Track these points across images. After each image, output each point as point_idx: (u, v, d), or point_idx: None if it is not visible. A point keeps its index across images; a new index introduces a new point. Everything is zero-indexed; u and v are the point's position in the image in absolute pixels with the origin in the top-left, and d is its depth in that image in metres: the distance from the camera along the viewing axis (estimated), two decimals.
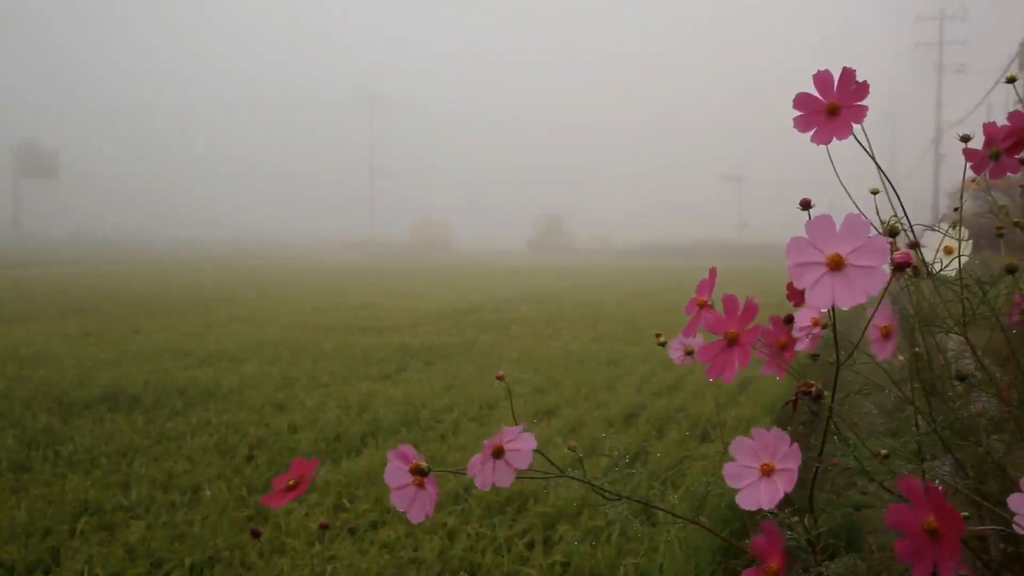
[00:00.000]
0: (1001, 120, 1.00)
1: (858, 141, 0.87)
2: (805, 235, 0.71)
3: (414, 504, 0.84)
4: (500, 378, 0.95)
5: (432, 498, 0.83)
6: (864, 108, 0.82)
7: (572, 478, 0.91)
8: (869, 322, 0.86)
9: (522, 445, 0.82)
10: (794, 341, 0.92)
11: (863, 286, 0.68)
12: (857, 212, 0.73)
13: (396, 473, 0.84)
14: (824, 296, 0.69)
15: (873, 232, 0.70)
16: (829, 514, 0.94)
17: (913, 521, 0.64)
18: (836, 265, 0.68)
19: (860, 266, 0.68)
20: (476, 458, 0.83)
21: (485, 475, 0.82)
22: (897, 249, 0.84)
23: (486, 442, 0.83)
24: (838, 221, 0.72)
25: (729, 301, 0.85)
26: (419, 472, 0.82)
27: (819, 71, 0.84)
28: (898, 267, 0.78)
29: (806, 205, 0.83)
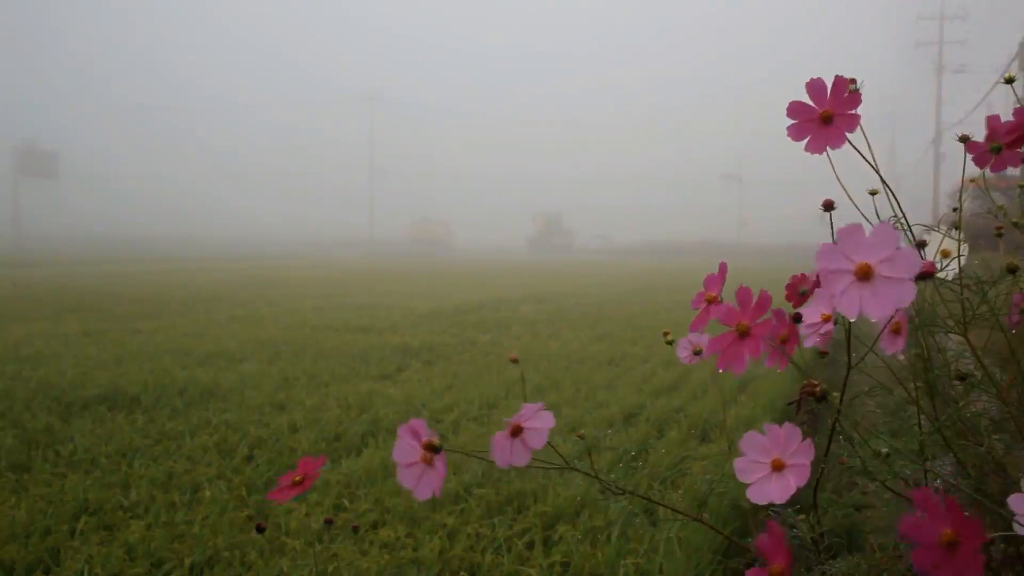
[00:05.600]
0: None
1: (856, 149, 0.87)
2: (835, 241, 0.69)
3: (421, 482, 0.83)
4: (514, 360, 0.95)
5: (441, 476, 0.82)
6: (857, 117, 0.82)
7: (577, 470, 0.91)
8: (887, 325, 0.85)
9: (540, 423, 0.81)
10: (796, 335, 0.92)
11: (893, 298, 0.65)
12: (861, 214, 0.72)
13: (406, 450, 0.83)
14: (852, 305, 0.67)
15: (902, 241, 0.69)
16: (831, 514, 0.94)
17: (929, 532, 0.64)
18: (864, 275, 0.67)
19: (889, 277, 0.66)
20: (499, 434, 0.82)
21: (504, 453, 0.82)
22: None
23: (508, 420, 0.82)
24: (838, 221, 0.72)
25: (743, 293, 0.85)
26: (432, 449, 0.81)
27: (812, 79, 0.84)
28: (920, 277, 0.77)
29: (828, 206, 0.83)
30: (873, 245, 0.67)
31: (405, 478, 0.83)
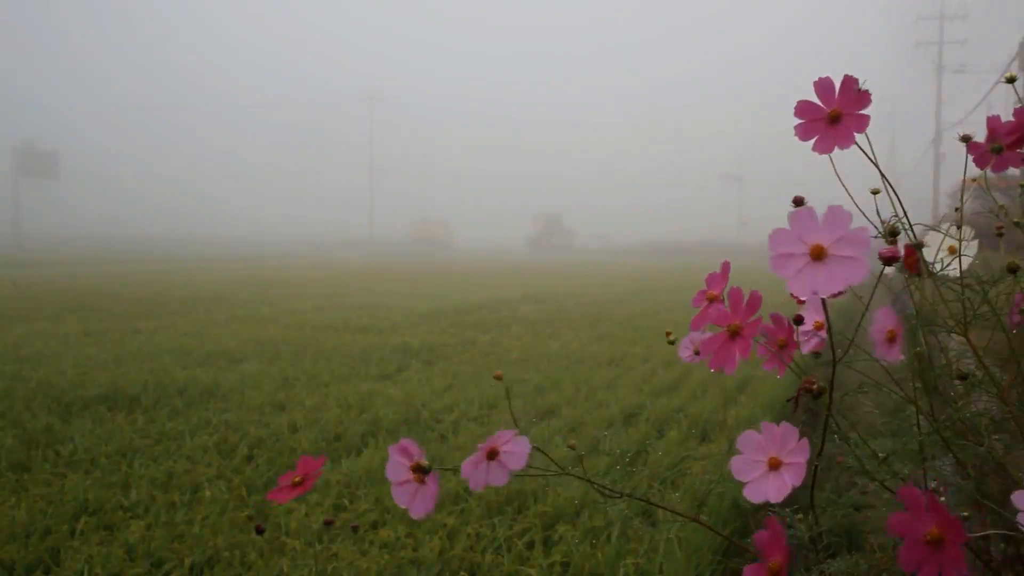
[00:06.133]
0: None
1: (860, 148, 0.86)
2: (788, 227, 0.71)
3: (415, 500, 0.83)
4: (498, 378, 0.95)
5: (433, 494, 0.83)
6: (866, 117, 0.81)
7: (572, 475, 0.91)
8: (861, 319, 0.86)
9: (517, 448, 0.82)
10: (795, 339, 0.92)
11: (844, 276, 0.68)
12: (862, 214, 0.73)
13: (397, 468, 0.84)
14: (805, 285, 0.69)
15: (856, 224, 0.71)
16: (830, 513, 0.94)
17: (915, 530, 0.64)
18: (818, 255, 0.69)
19: (842, 256, 0.68)
20: (469, 460, 0.83)
21: (479, 476, 0.82)
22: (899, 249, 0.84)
23: (480, 445, 0.83)
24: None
25: (734, 294, 0.86)
26: (420, 470, 0.82)
27: (820, 78, 0.84)
28: (886, 261, 0.79)
29: (799, 203, 0.83)
30: (825, 227, 0.69)
31: (399, 496, 0.84)
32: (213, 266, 23.37)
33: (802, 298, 0.75)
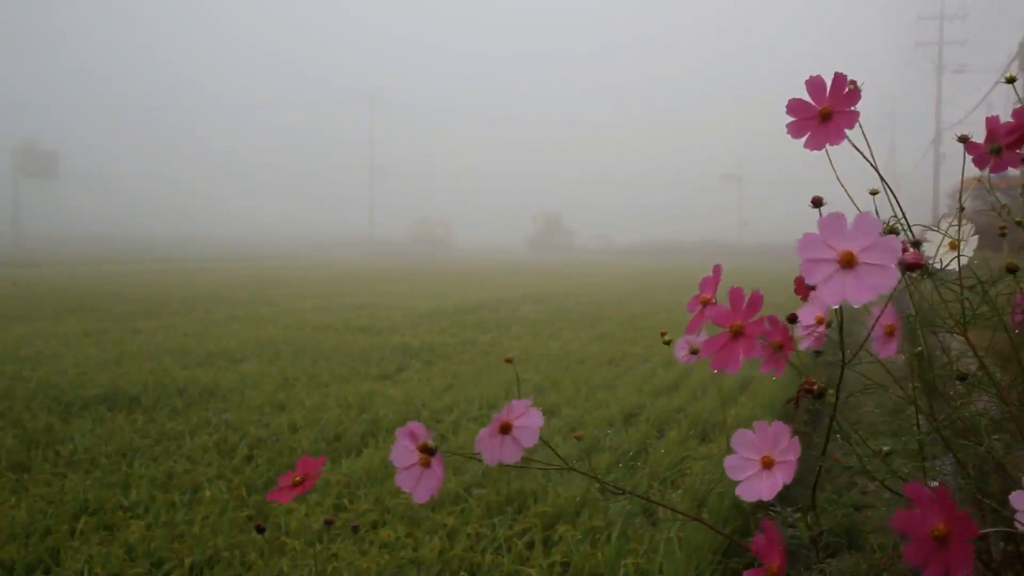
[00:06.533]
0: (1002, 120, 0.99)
1: (854, 146, 0.87)
2: (817, 231, 0.71)
3: (420, 484, 0.83)
4: (509, 360, 0.95)
5: (438, 478, 0.82)
6: (856, 114, 0.82)
7: (575, 470, 0.91)
8: (877, 321, 0.86)
9: (530, 422, 0.82)
10: (791, 340, 0.92)
11: (874, 283, 0.68)
12: (861, 211, 0.73)
13: (403, 452, 0.84)
14: (835, 293, 0.69)
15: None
16: (831, 513, 0.94)
17: (920, 526, 0.64)
18: (848, 262, 0.69)
19: (871, 264, 0.68)
20: (484, 432, 0.83)
21: (492, 450, 0.82)
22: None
23: (495, 416, 0.82)
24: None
25: (735, 294, 0.86)
26: (427, 451, 0.81)
27: (811, 76, 0.84)
28: (909, 268, 0.78)
29: (817, 203, 0.83)
30: (855, 234, 0.69)
31: (404, 481, 0.83)
32: (213, 266, 23.36)
33: (832, 305, 0.75)
